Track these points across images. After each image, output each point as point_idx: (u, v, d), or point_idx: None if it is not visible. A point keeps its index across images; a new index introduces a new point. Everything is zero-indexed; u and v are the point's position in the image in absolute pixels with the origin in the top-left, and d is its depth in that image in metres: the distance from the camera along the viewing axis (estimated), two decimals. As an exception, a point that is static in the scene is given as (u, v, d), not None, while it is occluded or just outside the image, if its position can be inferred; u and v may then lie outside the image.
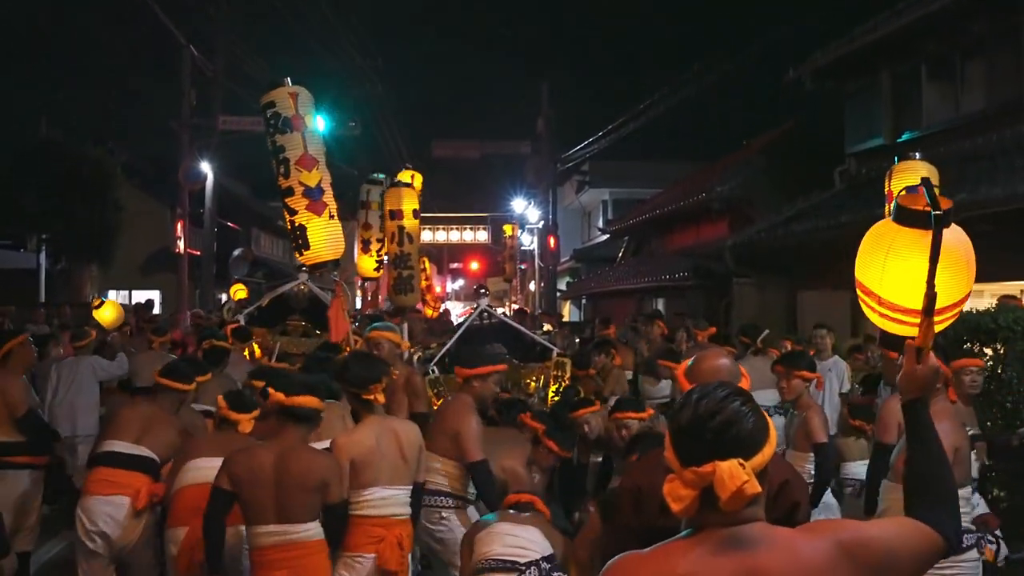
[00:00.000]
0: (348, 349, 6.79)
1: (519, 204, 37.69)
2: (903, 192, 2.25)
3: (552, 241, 26.13)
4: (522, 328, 9.99)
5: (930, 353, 2.20)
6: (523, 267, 55.91)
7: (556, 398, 8.42)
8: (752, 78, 37.37)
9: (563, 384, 8.74)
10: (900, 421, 2.59)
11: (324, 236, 7.08)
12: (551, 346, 9.56)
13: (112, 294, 26.56)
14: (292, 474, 3.90)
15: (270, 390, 4.01)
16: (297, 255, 7.77)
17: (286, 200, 7.74)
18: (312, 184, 7.16)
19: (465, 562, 4.13)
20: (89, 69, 29.78)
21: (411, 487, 4.44)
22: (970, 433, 4.86)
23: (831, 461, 5.83)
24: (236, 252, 24.94)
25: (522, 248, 45.14)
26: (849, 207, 13.06)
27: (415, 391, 6.11)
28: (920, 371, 2.17)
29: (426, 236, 36.50)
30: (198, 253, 22.94)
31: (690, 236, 22.71)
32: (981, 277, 2.40)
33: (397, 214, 10.33)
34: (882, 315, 2.32)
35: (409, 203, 10.27)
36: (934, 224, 2.08)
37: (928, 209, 2.10)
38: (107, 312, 10.50)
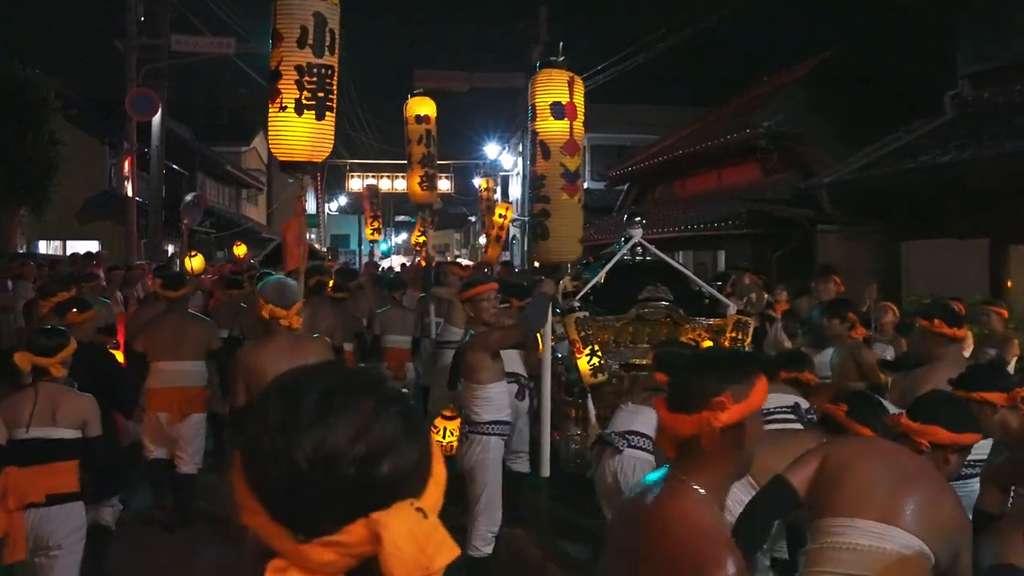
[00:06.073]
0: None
1: (492, 150, 34.77)
2: None
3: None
4: (686, 271, 8.17)
5: None
6: (472, 219, 53.24)
7: None
8: (749, 20, 34.98)
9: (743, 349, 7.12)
10: None
11: (279, 130, 5.76)
12: (725, 299, 7.65)
13: (43, 245, 23.19)
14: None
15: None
16: None
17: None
18: (272, 65, 5.77)
19: None
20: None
21: None
22: None
23: None
24: (188, 197, 21.62)
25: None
26: (980, 137, 10.72)
27: None
28: None
29: (379, 184, 33.29)
30: (140, 200, 19.63)
31: (710, 181, 20.40)
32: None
33: (424, 119, 10.92)
34: None
35: (431, 109, 10.95)
36: None
37: None
38: (197, 261, 13.31)
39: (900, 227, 12.17)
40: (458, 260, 28.83)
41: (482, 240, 40.71)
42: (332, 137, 5.97)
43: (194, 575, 6.02)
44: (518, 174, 33.63)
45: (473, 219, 52.21)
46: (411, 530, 0.96)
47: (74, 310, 5.62)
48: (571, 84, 6.59)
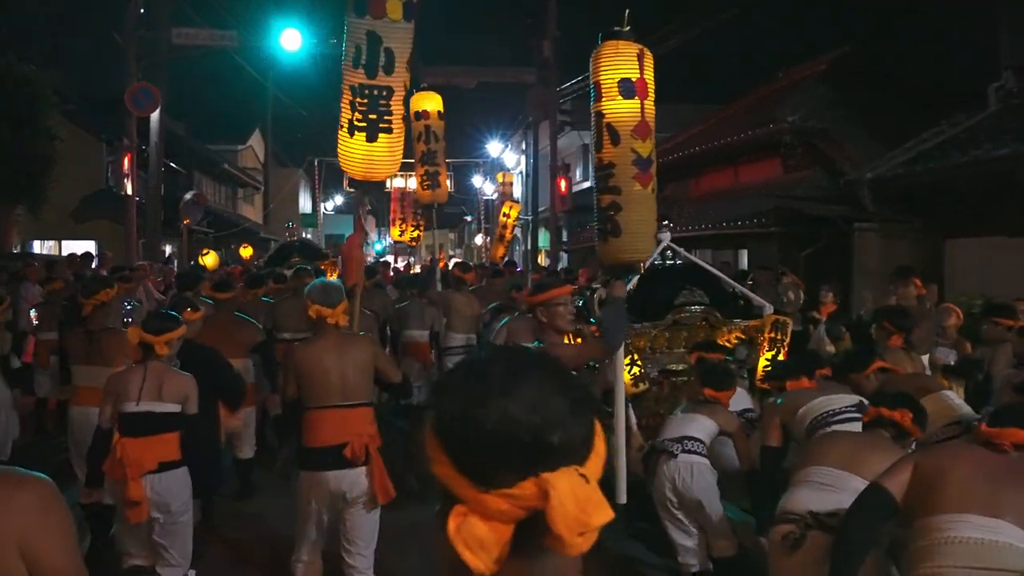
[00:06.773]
0: None
1: (495, 147, 34.11)
2: None
3: (564, 184, 22.77)
4: (718, 272, 7.99)
5: None
6: (468, 218, 52.55)
7: (770, 368, 6.92)
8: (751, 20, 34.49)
9: (781, 350, 7.11)
10: None
11: (341, 148, 6.01)
12: (761, 300, 7.60)
13: (37, 245, 22.54)
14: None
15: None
16: None
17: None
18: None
19: None
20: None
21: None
22: None
23: None
24: (188, 195, 21.13)
25: (484, 197, 41.78)
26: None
27: None
28: None
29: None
30: (138, 199, 18.96)
31: (726, 178, 19.91)
32: None
33: (423, 115, 10.60)
34: None
35: (433, 104, 10.64)
36: None
37: None
38: (210, 259, 13.68)
39: (945, 224, 11.67)
40: (456, 260, 28.30)
41: (478, 240, 40.16)
42: (390, 158, 5.93)
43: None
44: (520, 172, 33.05)
45: (469, 218, 51.58)
46: (574, 491, 1.07)
47: (188, 309, 5.98)
48: (641, 58, 5.70)
